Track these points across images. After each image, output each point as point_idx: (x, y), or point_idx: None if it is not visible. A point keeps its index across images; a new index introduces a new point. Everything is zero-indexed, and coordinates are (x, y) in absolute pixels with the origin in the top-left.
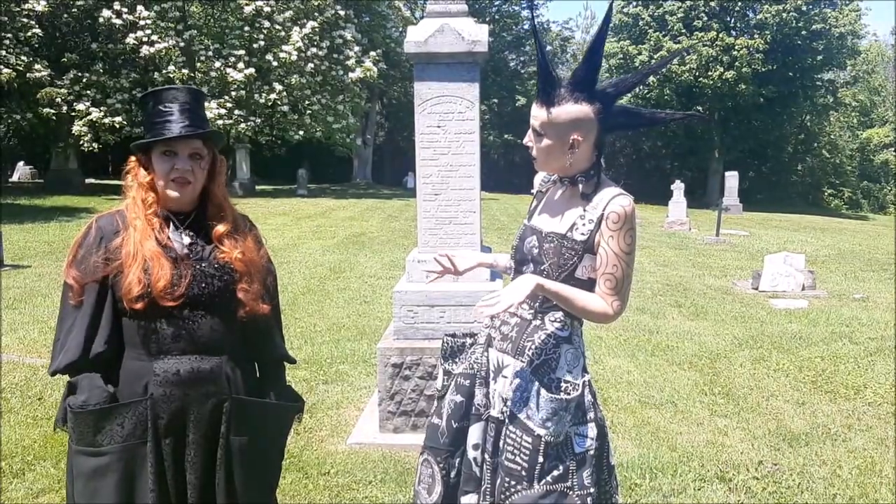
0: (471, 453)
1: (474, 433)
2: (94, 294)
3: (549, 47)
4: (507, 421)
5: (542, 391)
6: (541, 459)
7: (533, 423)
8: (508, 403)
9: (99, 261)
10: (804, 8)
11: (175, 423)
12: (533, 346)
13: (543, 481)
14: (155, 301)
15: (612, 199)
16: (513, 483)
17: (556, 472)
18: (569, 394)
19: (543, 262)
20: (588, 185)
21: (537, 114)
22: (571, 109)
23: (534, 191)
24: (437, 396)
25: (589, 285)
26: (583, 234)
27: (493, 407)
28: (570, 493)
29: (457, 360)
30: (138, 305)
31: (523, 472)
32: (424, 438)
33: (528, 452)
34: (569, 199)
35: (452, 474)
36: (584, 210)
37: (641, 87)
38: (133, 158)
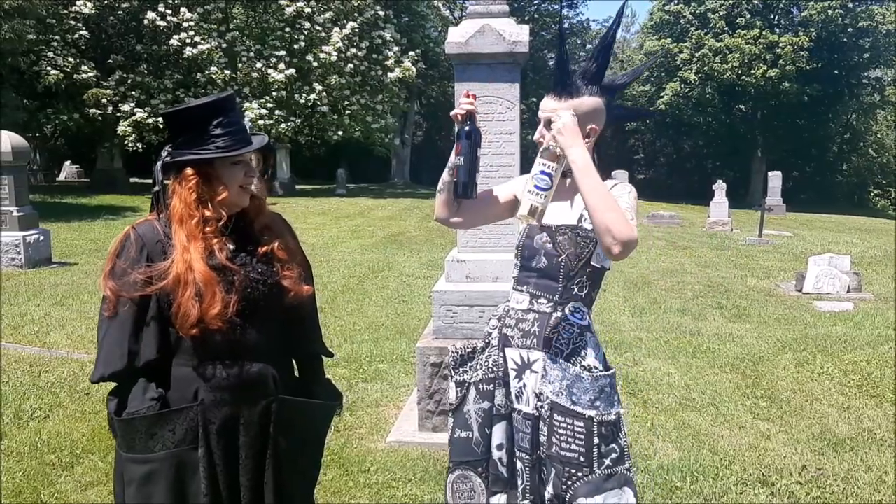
0: (495, 454)
1: (497, 434)
2: (135, 305)
3: (588, 45)
4: (549, 414)
5: (584, 373)
6: (597, 441)
7: (581, 406)
8: (546, 396)
9: (140, 278)
10: (850, 4)
11: (227, 428)
12: (560, 338)
13: (604, 465)
14: (207, 325)
15: (615, 186)
16: (572, 472)
17: (613, 455)
18: (609, 368)
19: (560, 253)
20: None
21: (555, 106)
22: (589, 101)
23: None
24: (451, 410)
25: (601, 274)
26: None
27: (526, 403)
28: (629, 473)
29: (467, 368)
30: (193, 332)
31: (581, 459)
32: (452, 454)
33: (582, 437)
34: (572, 190)
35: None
36: None
37: (682, 86)
38: (191, 171)
